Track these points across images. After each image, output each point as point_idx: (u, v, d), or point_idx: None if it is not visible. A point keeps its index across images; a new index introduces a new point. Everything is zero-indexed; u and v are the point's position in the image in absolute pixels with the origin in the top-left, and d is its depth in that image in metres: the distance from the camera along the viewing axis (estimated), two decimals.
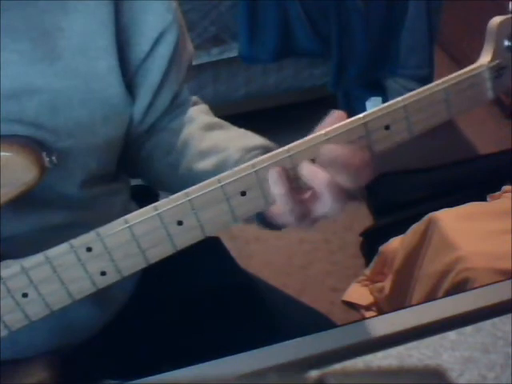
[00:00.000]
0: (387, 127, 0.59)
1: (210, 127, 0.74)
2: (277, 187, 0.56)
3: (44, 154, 0.60)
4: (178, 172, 0.72)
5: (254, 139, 0.69)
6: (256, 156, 0.64)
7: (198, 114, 0.77)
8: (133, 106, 0.72)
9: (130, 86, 0.70)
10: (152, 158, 0.77)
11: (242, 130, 0.73)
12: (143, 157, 0.78)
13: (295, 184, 0.57)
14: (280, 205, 0.57)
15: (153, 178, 0.80)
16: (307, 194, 0.58)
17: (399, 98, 0.58)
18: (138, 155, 0.79)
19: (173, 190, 0.57)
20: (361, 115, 0.58)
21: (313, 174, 0.55)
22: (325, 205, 0.56)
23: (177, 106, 0.78)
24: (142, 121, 0.75)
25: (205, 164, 0.69)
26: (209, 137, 0.72)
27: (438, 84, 0.59)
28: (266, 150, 0.66)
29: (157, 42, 0.69)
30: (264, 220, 0.65)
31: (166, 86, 0.74)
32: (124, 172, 0.83)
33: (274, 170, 0.55)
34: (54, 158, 0.60)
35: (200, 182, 0.56)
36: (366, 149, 0.58)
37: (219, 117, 0.79)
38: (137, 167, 0.81)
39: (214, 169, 0.67)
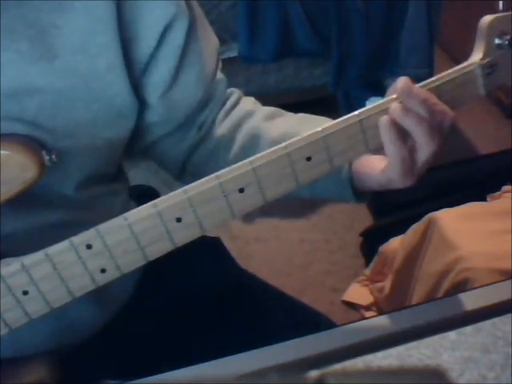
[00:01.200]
0: None
1: (271, 116, 0.75)
2: (387, 134, 0.59)
3: (43, 153, 0.60)
4: None
5: (318, 120, 0.71)
6: None
7: (255, 106, 0.78)
8: (140, 106, 0.70)
9: (137, 83, 0.69)
10: (213, 158, 0.76)
11: (301, 114, 0.75)
12: (201, 159, 0.78)
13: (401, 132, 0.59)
14: (389, 154, 0.60)
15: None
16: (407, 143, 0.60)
17: (394, 95, 0.60)
18: (193, 158, 0.79)
19: None
20: (356, 112, 0.58)
21: (403, 115, 0.59)
22: (422, 147, 0.60)
23: (221, 101, 0.78)
24: (164, 118, 0.74)
25: None
26: (276, 125, 0.73)
27: (431, 81, 0.61)
28: None
29: (163, 36, 0.67)
30: (354, 191, 0.69)
31: (182, 79, 0.72)
32: (176, 178, 0.82)
33: (384, 118, 0.59)
34: (53, 156, 0.60)
35: None
36: (361, 145, 0.60)
37: None
38: (195, 171, 0.80)
39: None
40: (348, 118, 0.58)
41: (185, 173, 0.82)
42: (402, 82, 0.60)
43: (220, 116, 0.77)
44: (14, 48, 0.60)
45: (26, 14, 0.61)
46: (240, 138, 0.74)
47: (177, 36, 0.69)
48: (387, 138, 0.59)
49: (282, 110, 0.77)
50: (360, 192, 0.70)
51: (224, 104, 0.78)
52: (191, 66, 0.72)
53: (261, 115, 0.75)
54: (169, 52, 0.69)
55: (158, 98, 0.71)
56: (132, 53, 0.67)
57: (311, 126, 0.66)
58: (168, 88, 0.71)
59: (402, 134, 0.59)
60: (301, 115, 0.75)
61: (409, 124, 0.59)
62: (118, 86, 0.66)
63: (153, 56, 0.68)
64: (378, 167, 0.64)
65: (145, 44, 0.67)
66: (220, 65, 0.79)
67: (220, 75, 0.79)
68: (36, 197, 0.65)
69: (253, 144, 0.73)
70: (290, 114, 0.76)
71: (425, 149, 0.60)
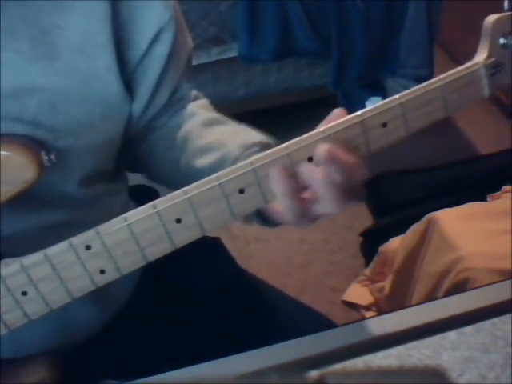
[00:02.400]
0: (384, 125, 0.59)
1: (209, 123, 0.74)
2: (278, 186, 0.56)
3: (43, 153, 0.60)
4: (179, 168, 0.72)
5: (254, 135, 0.69)
6: (255, 153, 0.64)
7: (198, 110, 0.77)
8: (131, 104, 0.72)
9: (128, 84, 0.70)
10: (152, 155, 0.77)
11: (242, 126, 0.73)
12: (144, 153, 0.78)
13: (295, 182, 0.57)
14: (280, 203, 0.57)
15: (154, 174, 0.80)
16: (307, 193, 0.58)
17: (396, 96, 0.59)
18: (138, 151, 0.79)
19: (173, 187, 0.57)
20: (358, 113, 0.58)
21: (310, 173, 0.55)
22: (324, 204, 0.56)
23: (176, 102, 0.78)
24: (141, 117, 0.75)
25: (204, 160, 0.69)
26: (208, 133, 0.72)
27: (434, 82, 0.60)
28: (265, 146, 0.66)
29: (155, 39, 0.69)
30: (263, 217, 0.65)
31: (164, 83, 0.74)
32: (124, 168, 0.83)
33: (275, 168, 0.55)
34: (52, 156, 0.61)
35: (200, 178, 0.56)
36: (362, 147, 0.58)
37: None
38: (137, 163, 0.81)
39: (213, 165, 0.67)
40: (275, 151, 0.56)
41: (126, 161, 0.81)
42: (323, 149, 0.54)
43: (168, 114, 0.77)
44: (14, 48, 0.61)
45: (26, 13, 0.61)
46: (176, 139, 0.74)
47: (167, 40, 0.70)
48: (275, 189, 0.56)
49: (228, 119, 0.75)
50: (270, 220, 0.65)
51: (178, 103, 0.78)
52: (171, 70, 0.73)
53: (198, 120, 0.74)
54: (157, 56, 0.70)
55: (144, 105, 0.73)
56: (125, 53, 0.68)
57: (243, 138, 0.67)
58: (153, 92, 0.73)
59: (296, 184, 0.56)
60: (241, 127, 0.73)
61: (324, 190, 0.55)
62: (115, 86, 0.67)
63: (143, 59, 0.69)
64: (277, 206, 0.60)
65: (137, 46, 0.68)
66: (190, 67, 0.79)
67: (186, 76, 0.79)
68: (37, 197, 0.65)
69: (183, 147, 0.72)
70: (232, 124, 0.74)
71: (330, 208, 0.56)
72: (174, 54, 0.73)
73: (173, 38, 0.71)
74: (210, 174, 0.56)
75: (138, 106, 0.73)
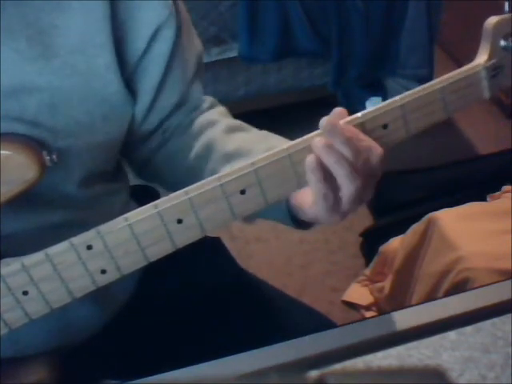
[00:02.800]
0: (385, 126, 0.59)
1: (232, 130, 0.74)
2: (314, 174, 0.57)
3: (44, 153, 0.60)
4: (201, 177, 0.72)
5: (278, 141, 0.70)
6: None
7: (219, 117, 0.77)
8: (133, 105, 0.71)
9: (129, 83, 0.70)
10: (170, 164, 0.77)
11: (264, 132, 0.74)
12: (161, 162, 0.78)
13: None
14: (315, 192, 0.58)
15: (170, 181, 0.79)
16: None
17: (397, 97, 0.59)
18: (157, 162, 0.79)
19: None
20: (358, 114, 0.58)
21: (324, 151, 0.56)
22: (343, 185, 0.57)
23: (192, 109, 0.77)
24: (146, 119, 0.74)
25: (230, 167, 0.68)
26: (233, 139, 0.72)
27: (435, 83, 0.60)
28: None
29: (153, 38, 0.69)
30: (296, 219, 0.66)
31: (168, 84, 0.73)
32: (145, 180, 0.82)
33: (311, 157, 0.56)
34: (54, 156, 0.61)
35: None
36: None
37: None
38: (157, 174, 0.80)
39: None
40: (277, 152, 0.57)
41: (145, 172, 0.82)
42: (326, 119, 0.57)
43: (186, 122, 0.77)
44: (12, 47, 0.61)
45: (25, 13, 0.61)
46: (197, 146, 0.74)
47: (167, 38, 0.70)
48: (310, 175, 0.57)
49: (249, 126, 0.76)
50: (305, 222, 0.67)
51: (194, 110, 0.78)
52: (174, 70, 0.72)
53: (221, 127, 0.74)
54: (157, 55, 0.70)
55: (146, 106, 0.72)
56: (124, 52, 0.68)
57: (267, 144, 0.67)
58: (155, 93, 0.72)
59: (326, 172, 0.57)
60: (263, 133, 0.74)
61: (329, 162, 0.57)
62: (115, 85, 0.67)
63: (142, 58, 0.69)
64: (308, 200, 0.62)
65: (136, 45, 0.68)
66: (202, 71, 0.79)
67: (198, 81, 0.78)
68: (37, 196, 0.65)
69: (207, 155, 0.72)
70: (254, 131, 0.75)
71: (346, 188, 0.58)
72: (177, 54, 0.72)
73: (173, 37, 0.70)
74: None
75: (140, 106, 0.73)
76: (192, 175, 0.73)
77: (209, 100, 0.80)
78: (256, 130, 0.75)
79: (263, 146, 0.68)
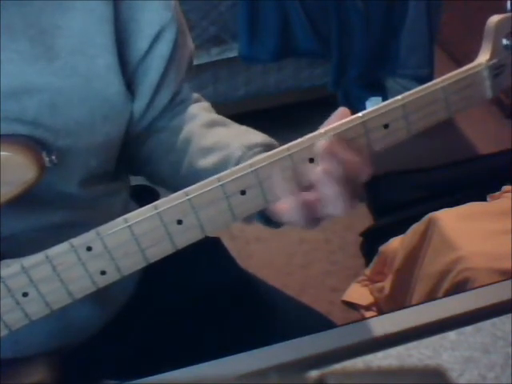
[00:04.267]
0: (386, 126, 0.59)
1: (211, 124, 0.74)
2: (280, 187, 0.56)
3: (44, 154, 0.60)
4: (181, 170, 0.72)
5: (256, 136, 0.69)
6: (258, 153, 0.65)
7: (200, 112, 0.77)
8: (132, 105, 0.72)
9: (129, 84, 0.70)
10: (153, 157, 0.77)
11: (244, 127, 0.73)
12: (145, 156, 0.78)
13: (298, 183, 0.57)
14: (285, 204, 0.57)
15: (155, 176, 0.80)
16: (311, 194, 0.58)
17: (398, 97, 0.58)
18: (139, 154, 0.79)
19: (175, 189, 0.57)
20: (359, 114, 0.58)
21: (312, 170, 0.56)
22: (328, 203, 0.56)
23: (177, 104, 0.78)
24: (142, 119, 0.75)
25: (207, 161, 0.69)
26: (210, 134, 0.72)
27: (436, 83, 0.59)
28: (268, 147, 0.66)
29: (155, 39, 0.69)
30: (266, 218, 0.65)
31: (165, 84, 0.74)
32: (126, 170, 0.83)
33: (277, 169, 0.55)
34: (53, 157, 0.61)
35: (202, 179, 0.56)
36: (363, 148, 0.58)
37: None
38: (139, 166, 0.81)
39: (215, 166, 0.67)
40: (277, 152, 0.56)
41: (131, 166, 0.82)
42: (322, 144, 0.55)
43: (169, 116, 0.77)
44: (13, 48, 0.61)
45: (26, 13, 0.61)
46: (178, 141, 0.74)
47: (167, 41, 0.70)
48: (281, 191, 0.56)
49: (230, 121, 0.75)
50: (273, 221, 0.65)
51: (178, 105, 0.78)
52: (171, 71, 0.73)
53: (200, 121, 0.74)
54: (158, 56, 0.70)
55: (145, 106, 0.72)
56: (126, 53, 0.68)
57: (245, 140, 0.67)
58: (154, 93, 0.73)
59: (303, 186, 0.56)
60: (243, 128, 0.73)
61: (327, 187, 0.55)
62: (115, 86, 0.67)
63: (144, 59, 0.69)
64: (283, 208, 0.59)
65: (138, 46, 0.68)
66: (192, 70, 0.79)
67: (187, 80, 0.79)
68: (37, 197, 0.65)
69: (185, 148, 0.72)
70: (234, 126, 0.74)
71: (334, 209, 0.56)
72: (175, 55, 0.72)
73: (174, 38, 0.71)
74: (212, 175, 0.56)
75: (138, 106, 0.73)
76: (174, 169, 0.73)
77: (195, 96, 0.80)
78: (237, 125, 0.75)
79: (242, 140, 0.68)
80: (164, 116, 0.77)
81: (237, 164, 0.56)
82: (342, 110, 0.58)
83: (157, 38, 0.69)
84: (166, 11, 0.69)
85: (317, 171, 0.55)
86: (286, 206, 0.58)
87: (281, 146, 0.58)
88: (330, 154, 0.55)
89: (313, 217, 0.58)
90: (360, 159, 0.56)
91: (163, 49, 0.70)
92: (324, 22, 1.95)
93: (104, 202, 0.76)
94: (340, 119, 0.57)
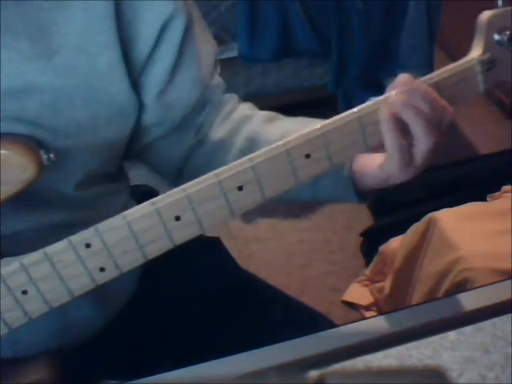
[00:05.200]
0: None
1: (270, 119, 0.75)
2: (387, 124, 0.59)
3: (42, 152, 0.60)
4: None
5: (315, 123, 0.70)
6: None
7: (252, 111, 0.78)
8: (139, 105, 0.71)
9: (136, 82, 0.69)
10: (211, 162, 0.76)
11: (301, 118, 0.74)
12: (199, 162, 0.77)
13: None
14: (390, 145, 0.60)
15: None
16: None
17: (392, 92, 0.59)
18: (190, 160, 0.78)
19: None
20: (355, 109, 0.58)
21: (403, 105, 0.59)
22: (420, 140, 0.60)
23: (216, 104, 0.77)
24: (159, 111, 0.72)
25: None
26: (275, 127, 0.73)
27: (429, 78, 0.61)
28: None
29: (160, 34, 0.67)
30: (357, 181, 0.68)
31: (181, 75, 0.71)
32: (176, 182, 0.81)
33: (387, 110, 0.59)
34: (52, 155, 0.60)
35: None
36: (360, 142, 0.60)
37: None
38: (192, 172, 0.79)
39: None
40: (347, 115, 0.58)
41: (180, 178, 0.81)
42: (403, 76, 0.60)
43: (218, 120, 0.77)
44: (13, 46, 0.60)
45: (26, 12, 0.61)
46: (238, 142, 0.74)
47: (174, 34, 0.69)
48: (386, 128, 0.59)
49: (280, 114, 0.77)
50: (361, 192, 0.70)
51: (222, 108, 0.78)
52: (187, 66, 0.72)
53: (259, 118, 0.75)
54: (166, 50, 0.69)
55: (155, 98, 0.71)
56: (131, 51, 0.67)
57: (312, 127, 0.66)
58: (164, 87, 0.71)
59: (402, 126, 0.59)
60: (299, 118, 0.75)
61: (408, 117, 0.59)
62: (118, 85, 0.66)
63: (151, 54, 0.68)
64: (376, 163, 0.64)
65: (143, 43, 0.67)
66: (218, 69, 0.79)
67: (218, 79, 0.78)
68: (36, 196, 0.65)
69: (251, 147, 0.72)
70: (289, 118, 0.76)
71: (423, 143, 0.60)
72: (188, 45, 0.71)
73: (183, 26, 0.69)
74: None
75: (148, 98, 0.71)
76: None
77: (235, 96, 0.80)
78: (289, 117, 0.76)
79: (307, 127, 0.68)
80: (205, 118, 0.76)
81: None
82: (403, 77, 0.61)
83: (162, 33, 0.67)
84: (168, 6, 0.67)
85: (403, 104, 0.58)
86: (382, 157, 0.62)
87: None
88: (409, 84, 0.59)
89: (410, 159, 0.61)
90: (440, 98, 0.60)
91: (173, 39, 0.69)
92: (324, 22, 1.95)
93: (104, 201, 0.76)
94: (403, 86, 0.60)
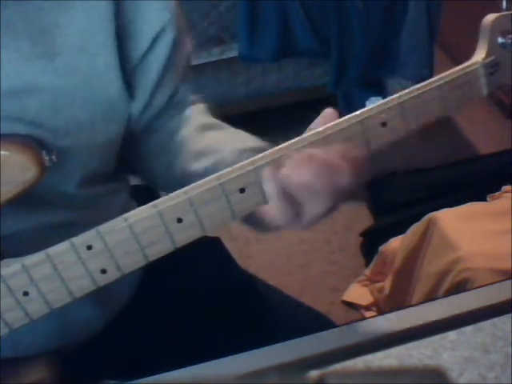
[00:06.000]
0: (384, 124, 0.59)
1: (205, 128, 0.74)
2: (269, 186, 0.56)
3: (43, 153, 0.60)
4: (174, 172, 0.72)
5: (249, 140, 0.69)
6: (249, 157, 0.64)
7: (194, 115, 0.77)
8: (131, 104, 0.72)
9: (129, 84, 0.70)
10: (149, 157, 0.77)
11: (237, 131, 0.73)
12: (141, 155, 0.78)
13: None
14: (273, 204, 0.57)
15: (150, 176, 0.80)
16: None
17: (395, 95, 0.59)
18: (136, 153, 0.79)
19: (168, 190, 0.57)
20: (357, 112, 0.58)
21: (293, 178, 0.56)
22: (313, 205, 0.56)
23: (174, 105, 0.78)
24: (140, 119, 0.75)
25: (199, 165, 0.69)
26: (203, 137, 0.72)
27: (433, 81, 0.60)
28: (260, 151, 0.66)
29: (155, 39, 0.69)
30: (256, 221, 0.64)
31: (163, 84, 0.73)
32: (125, 170, 0.83)
33: (266, 170, 0.56)
34: (53, 156, 0.60)
35: (194, 182, 0.56)
36: (361, 146, 0.59)
37: (219, 117, 0.78)
38: (136, 164, 0.81)
39: (208, 170, 0.67)
40: (277, 150, 0.57)
41: (131, 165, 0.82)
42: (327, 110, 0.56)
43: (167, 116, 0.77)
44: (14, 46, 0.61)
45: (27, 12, 0.61)
46: (172, 142, 0.74)
47: (167, 41, 0.70)
48: (274, 202, 0.57)
49: (224, 124, 0.75)
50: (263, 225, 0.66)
51: (177, 107, 0.78)
52: (170, 69, 0.73)
53: (193, 125, 0.74)
54: (158, 55, 0.70)
55: (141, 101, 0.72)
56: (126, 53, 0.68)
57: (238, 144, 0.67)
58: (152, 92, 0.73)
59: (290, 198, 0.57)
60: (235, 132, 0.73)
61: (300, 196, 0.56)
62: (115, 85, 0.67)
63: (144, 58, 0.69)
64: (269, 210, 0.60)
65: (139, 45, 0.68)
66: (189, 71, 0.79)
67: (187, 79, 0.79)
68: (37, 197, 0.65)
69: (179, 151, 0.72)
70: (228, 130, 0.74)
71: (309, 210, 0.57)
72: (173, 55, 0.73)
73: (173, 39, 0.71)
74: (203, 179, 0.56)
75: (137, 106, 0.73)
76: (168, 170, 0.73)
77: (191, 97, 0.80)
78: (230, 128, 0.74)
79: (234, 144, 0.68)
80: (161, 116, 0.77)
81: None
82: (329, 112, 0.58)
83: (157, 38, 0.69)
84: (166, 12, 0.69)
85: (299, 180, 0.55)
86: (272, 209, 0.58)
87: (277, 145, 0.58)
88: (313, 165, 0.55)
89: (300, 218, 0.58)
90: (334, 161, 0.56)
91: (162, 49, 0.71)
92: (324, 22, 1.95)
93: (104, 201, 0.76)
94: (326, 122, 0.57)
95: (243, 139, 0.70)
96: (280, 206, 0.57)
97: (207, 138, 0.72)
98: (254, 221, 0.64)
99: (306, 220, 0.58)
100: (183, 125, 0.75)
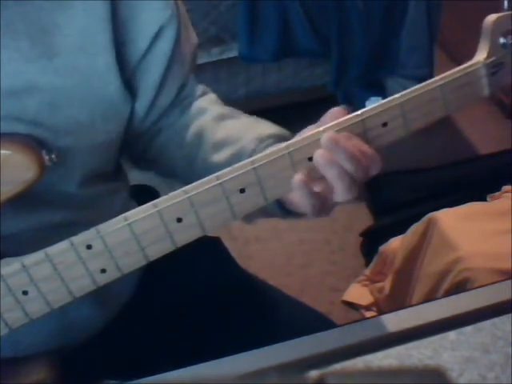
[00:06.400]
0: (385, 124, 0.59)
1: (222, 117, 0.74)
2: (301, 190, 0.57)
3: (44, 152, 0.60)
4: (194, 165, 0.72)
5: (268, 127, 0.70)
6: (271, 144, 0.65)
7: (209, 105, 0.77)
8: (133, 104, 0.71)
9: (129, 83, 0.70)
10: (165, 153, 0.77)
11: (255, 118, 0.73)
12: (156, 152, 0.78)
13: (312, 174, 0.57)
14: (298, 195, 0.58)
15: (168, 171, 0.79)
16: (321, 185, 0.58)
17: (396, 95, 0.59)
18: (150, 151, 0.79)
19: (190, 183, 0.57)
20: (358, 112, 0.58)
21: (326, 166, 0.56)
22: (338, 194, 0.57)
23: (183, 99, 0.78)
24: (147, 116, 0.75)
25: (220, 156, 0.69)
26: (222, 127, 0.72)
27: (434, 81, 0.60)
28: (280, 137, 0.67)
29: (155, 38, 0.69)
30: (283, 208, 0.65)
31: (169, 81, 0.73)
32: (138, 168, 0.83)
33: (298, 178, 0.56)
34: (53, 156, 0.61)
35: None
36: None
37: None
38: (150, 162, 0.81)
39: (230, 160, 0.67)
40: (276, 151, 0.57)
41: (141, 162, 0.83)
42: (327, 135, 0.56)
43: (177, 112, 0.77)
44: (14, 46, 0.61)
45: (26, 12, 0.61)
46: (189, 135, 0.74)
47: (169, 38, 0.70)
48: (299, 193, 0.57)
49: (239, 112, 0.76)
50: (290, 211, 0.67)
51: (186, 99, 0.78)
52: (174, 68, 0.73)
53: (211, 115, 0.75)
54: (159, 54, 0.70)
55: (145, 101, 0.72)
56: (125, 53, 0.68)
57: (257, 132, 0.67)
58: (157, 91, 0.73)
59: (316, 184, 0.57)
60: (253, 119, 0.73)
61: (331, 177, 0.56)
62: (115, 85, 0.67)
63: (144, 57, 0.69)
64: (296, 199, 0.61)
65: (138, 45, 0.68)
66: (195, 63, 0.79)
67: (192, 73, 0.79)
68: (37, 196, 0.65)
69: (198, 144, 0.73)
70: (244, 118, 0.75)
71: (341, 196, 0.57)
72: (177, 52, 0.72)
73: (175, 36, 0.71)
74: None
75: (141, 105, 0.73)
76: (187, 163, 0.73)
77: (200, 88, 0.80)
78: (247, 116, 0.75)
79: (254, 133, 0.68)
80: (172, 112, 0.77)
81: (250, 157, 0.57)
82: (337, 110, 0.58)
83: (157, 36, 0.69)
84: (165, 10, 0.69)
85: (333, 169, 0.56)
86: (296, 197, 0.59)
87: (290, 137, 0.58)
88: (334, 143, 0.55)
89: (323, 206, 0.58)
90: (369, 151, 0.57)
91: (164, 47, 0.70)
92: (324, 22, 1.95)
93: (104, 201, 0.76)
94: (335, 118, 0.57)
95: (263, 126, 0.70)
96: (304, 195, 0.57)
97: (225, 128, 0.72)
98: (276, 210, 0.65)
99: (333, 203, 0.59)
100: (198, 116, 0.75)
